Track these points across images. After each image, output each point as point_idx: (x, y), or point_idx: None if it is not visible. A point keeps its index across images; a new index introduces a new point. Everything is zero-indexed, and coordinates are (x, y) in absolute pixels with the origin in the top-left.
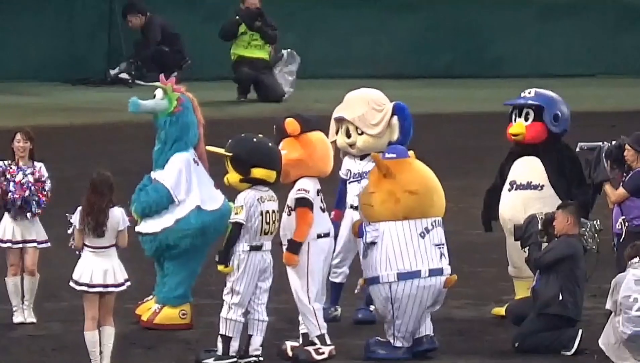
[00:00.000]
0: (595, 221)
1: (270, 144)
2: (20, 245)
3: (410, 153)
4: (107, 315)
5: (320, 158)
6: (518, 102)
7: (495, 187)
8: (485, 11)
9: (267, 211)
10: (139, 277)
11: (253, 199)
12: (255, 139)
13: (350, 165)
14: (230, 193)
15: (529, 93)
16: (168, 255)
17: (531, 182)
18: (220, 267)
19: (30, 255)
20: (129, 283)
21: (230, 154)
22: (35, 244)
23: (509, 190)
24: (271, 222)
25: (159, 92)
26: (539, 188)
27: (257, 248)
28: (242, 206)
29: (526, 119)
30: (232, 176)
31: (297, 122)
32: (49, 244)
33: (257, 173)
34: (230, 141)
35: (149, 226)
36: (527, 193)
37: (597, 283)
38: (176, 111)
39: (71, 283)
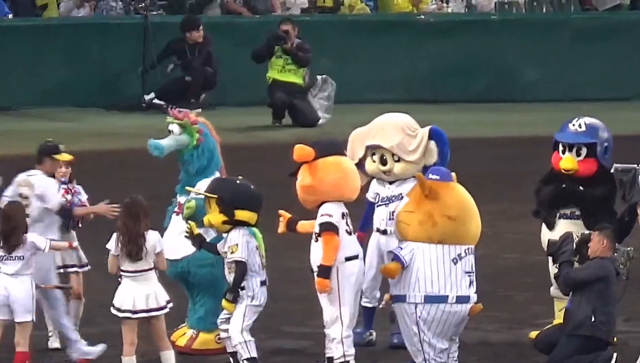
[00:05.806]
0: (629, 248)
1: (251, 186)
2: (61, 271)
3: (452, 175)
4: (162, 340)
5: (334, 183)
6: (570, 140)
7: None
8: (519, 35)
9: (257, 246)
10: (173, 303)
11: (246, 235)
12: (237, 182)
13: (378, 189)
14: None
15: (580, 127)
16: (193, 283)
17: (574, 212)
18: (225, 304)
19: (75, 279)
20: (171, 305)
21: (215, 196)
22: (76, 269)
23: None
24: (264, 255)
25: (174, 128)
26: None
27: (264, 283)
28: (237, 244)
29: (578, 154)
30: (215, 217)
31: (305, 148)
32: (89, 267)
33: (241, 215)
34: (210, 182)
35: (171, 252)
36: (569, 222)
37: (631, 306)
38: (200, 142)
39: (113, 310)
